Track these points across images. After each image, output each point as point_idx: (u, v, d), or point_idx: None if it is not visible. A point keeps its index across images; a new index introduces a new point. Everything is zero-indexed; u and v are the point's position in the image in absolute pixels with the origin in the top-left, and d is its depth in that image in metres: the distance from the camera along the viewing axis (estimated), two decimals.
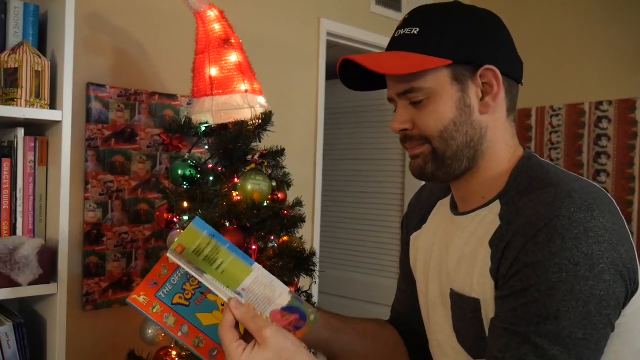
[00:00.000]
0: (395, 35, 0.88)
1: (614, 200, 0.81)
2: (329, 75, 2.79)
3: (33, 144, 1.43)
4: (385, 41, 2.90)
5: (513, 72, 0.89)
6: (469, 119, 0.86)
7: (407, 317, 1.12)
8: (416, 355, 1.10)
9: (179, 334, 0.79)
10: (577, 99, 2.97)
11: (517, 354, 0.73)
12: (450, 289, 0.90)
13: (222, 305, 0.80)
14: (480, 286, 0.83)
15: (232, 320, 0.74)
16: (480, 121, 0.86)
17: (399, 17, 3.04)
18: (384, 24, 2.97)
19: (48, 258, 1.36)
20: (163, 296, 0.81)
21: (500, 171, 0.89)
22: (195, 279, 0.79)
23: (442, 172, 0.88)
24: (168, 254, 0.79)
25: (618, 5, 2.86)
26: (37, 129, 1.49)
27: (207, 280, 0.78)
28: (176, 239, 0.81)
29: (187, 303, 0.81)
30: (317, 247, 2.68)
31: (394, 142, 3.56)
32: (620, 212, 0.80)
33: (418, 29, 0.85)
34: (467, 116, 0.85)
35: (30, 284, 1.32)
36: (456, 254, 0.90)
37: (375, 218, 3.66)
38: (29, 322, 1.45)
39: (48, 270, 1.36)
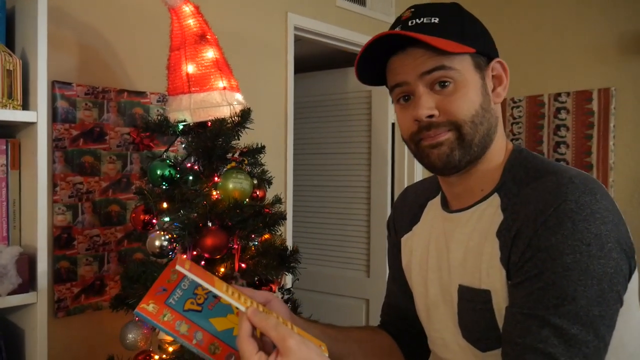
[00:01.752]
0: (410, 24, 0.86)
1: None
2: (296, 69, 2.77)
3: (4, 147, 1.36)
4: (350, 35, 2.95)
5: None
6: (489, 106, 0.88)
7: (400, 318, 1.13)
8: (411, 356, 1.12)
9: (194, 341, 0.76)
10: (536, 91, 3.07)
11: (538, 337, 0.75)
12: (459, 285, 0.91)
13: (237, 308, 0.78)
14: (490, 277, 0.85)
15: (250, 330, 0.71)
16: (495, 110, 0.90)
17: (363, 11, 3.05)
18: (349, 18, 2.98)
19: (26, 266, 1.30)
20: (173, 303, 0.78)
21: (496, 164, 0.91)
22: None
23: (466, 159, 0.87)
24: (177, 266, 0.76)
25: (576, 1, 2.97)
26: (7, 131, 1.42)
27: (219, 289, 0.75)
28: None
29: (199, 308, 0.78)
30: (291, 243, 2.67)
31: (359, 136, 3.58)
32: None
33: (437, 19, 0.85)
34: (488, 103, 0.88)
35: (9, 293, 1.26)
36: (460, 250, 0.91)
37: (341, 212, 3.68)
38: (4, 334, 1.38)
39: (27, 279, 1.30)
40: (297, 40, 2.81)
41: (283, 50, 2.66)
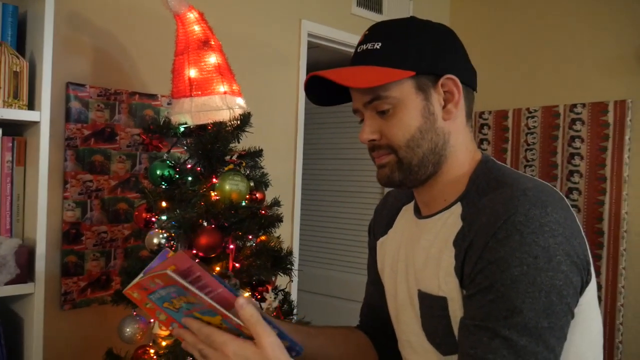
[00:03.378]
0: (358, 50, 0.92)
1: (564, 197, 0.86)
2: None
3: (11, 144, 1.43)
4: None
5: (469, 80, 0.94)
6: (433, 126, 0.90)
7: (376, 319, 1.15)
8: (385, 356, 1.14)
9: (170, 328, 0.85)
10: (552, 102, 3.04)
11: (489, 348, 0.76)
12: (418, 289, 0.93)
13: (208, 324, 0.81)
14: (447, 285, 0.86)
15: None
16: (443, 127, 0.91)
17: (380, 18, 3.07)
18: (364, 25, 2.98)
19: (25, 258, 1.37)
20: (154, 299, 0.83)
21: (461, 174, 0.93)
22: (183, 296, 0.80)
23: (409, 179, 0.92)
24: (168, 272, 0.79)
25: (594, 12, 2.94)
26: (15, 129, 1.49)
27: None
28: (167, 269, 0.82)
29: (175, 310, 0.84)
30: (296, 246, 2.71)
31: None
32: (571, 208, 0.85)
33: (380, 44, 0.88)
34: (432, 123, 0.90)
35: (7, 283, 1.33)
36: (422, 256, 0.94)
37: (353, 217, 3.70)
38: (4, 321, 1.46)
39: (25, 270, 1.36)
40: (312, 47, 2.85)
41: (296, 56, 2.71)
